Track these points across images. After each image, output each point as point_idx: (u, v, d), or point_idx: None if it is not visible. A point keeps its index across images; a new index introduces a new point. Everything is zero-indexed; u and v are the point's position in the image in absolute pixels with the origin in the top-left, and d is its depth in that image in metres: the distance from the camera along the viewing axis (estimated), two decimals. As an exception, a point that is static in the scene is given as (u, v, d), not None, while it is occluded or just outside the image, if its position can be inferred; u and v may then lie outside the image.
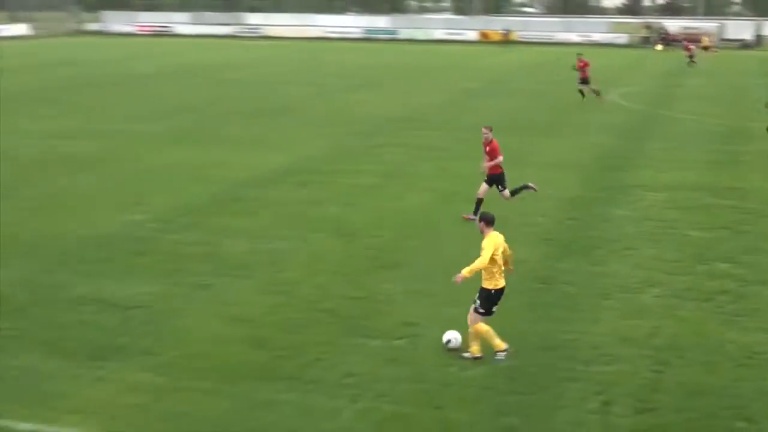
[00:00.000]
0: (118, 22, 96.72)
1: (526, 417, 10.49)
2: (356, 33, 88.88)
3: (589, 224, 18.94)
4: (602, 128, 31.74)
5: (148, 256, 16.23)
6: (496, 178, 18.78)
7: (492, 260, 11.64)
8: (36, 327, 12.89)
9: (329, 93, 42.25)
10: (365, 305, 13.95)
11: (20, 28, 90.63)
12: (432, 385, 11.22)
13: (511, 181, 19.16)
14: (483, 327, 11.79)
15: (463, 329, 12.10)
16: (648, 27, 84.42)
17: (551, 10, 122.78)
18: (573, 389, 11.16)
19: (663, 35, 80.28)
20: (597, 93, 37.86)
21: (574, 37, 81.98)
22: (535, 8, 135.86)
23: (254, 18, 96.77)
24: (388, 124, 32.48)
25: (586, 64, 37.27)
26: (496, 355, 11.80)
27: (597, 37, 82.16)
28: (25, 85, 43.47)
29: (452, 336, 12.12)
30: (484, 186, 18.77)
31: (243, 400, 10.78)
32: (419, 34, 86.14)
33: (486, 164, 18.63)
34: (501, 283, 11.84)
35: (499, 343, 11.81)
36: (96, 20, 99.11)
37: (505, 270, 12.00)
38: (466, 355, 11.87)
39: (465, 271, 11.62)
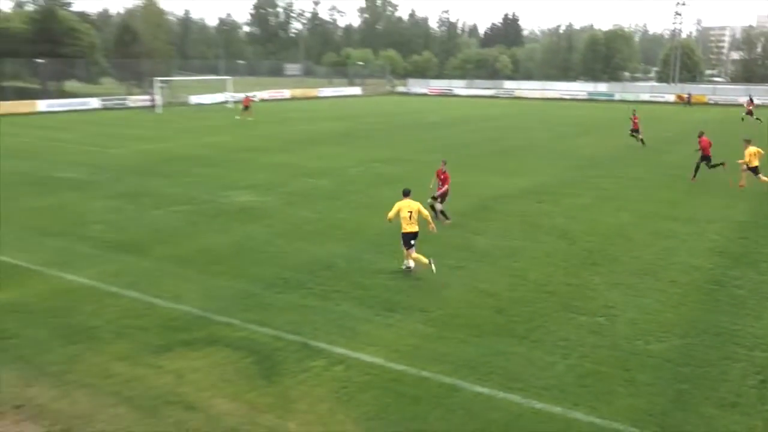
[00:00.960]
0: (418, 86, 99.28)
1: (695, 385, 9.67)
2: (582, 95, 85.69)
3: (758, 243, 17.11)
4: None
5: (427, 244, 16.54)
6: None
7: (397, 216, 14.12)
8: (350, 286, 13.56)
9: (560, 137, 41.05)
10: (578, 290, 13.46)
11: (355, 90, 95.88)
12: (623, 353, 10.63)
13: (688, 207, 17.66)
14: (411, 253, 14.18)
15: (650, 314, 11.37)
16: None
17: (735, 80, 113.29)
18: (736, 368, 10.14)
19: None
20: (641, 141, 35.60)
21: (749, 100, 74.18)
22: (722, 78, 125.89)
23: (509, 84, 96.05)
24: (602, 160, 31.05)
25: (636, 118, 36.72)
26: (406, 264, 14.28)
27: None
28: (354, 128, 45.77)
29: (410, 264, 14.26)
30: None
31: (485, 348, 10.75)
32: (630, 96, 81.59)
33: None
34: (407, 229, 14.17)
35: (418, 259, 14.15)
36: (403, 85, 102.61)
37: (417, 221, 14.16)
38: (405, 267, 14.29)
39: (388, 216, 14.36)
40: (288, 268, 14.59)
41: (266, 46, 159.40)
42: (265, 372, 9.89)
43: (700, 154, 26.02)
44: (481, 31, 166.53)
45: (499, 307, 12.51)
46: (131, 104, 67.08)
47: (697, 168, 25.84)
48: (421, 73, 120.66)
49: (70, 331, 11.26)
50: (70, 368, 9.97)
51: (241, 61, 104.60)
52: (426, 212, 14.44)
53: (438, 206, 18.65)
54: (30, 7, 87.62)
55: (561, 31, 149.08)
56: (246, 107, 52.80)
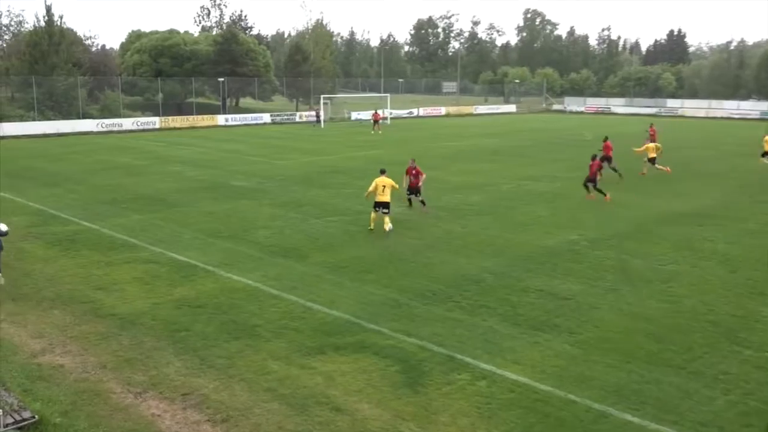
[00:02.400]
0: (574, 104, 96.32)
1: None
2: (754, 114, 79.03)
3: None
4: None
5: (578, 264, 15.95)
6: None
7: (374, 189, 18.41)
8: (498, 302, 13.28)
9: (725, 156, 38.07)
10: (743, 322, 12.30)
11: (510, 107, 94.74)
12: (794, 393, 9.56)
13: None
14: (380, 218, 18.41)
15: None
16: None
17: None
18: None
19: None
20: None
21: None
22: None
23: (673, 102, 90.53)
24: (775, 184, 28.42)
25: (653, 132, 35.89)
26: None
27: None
28: (507, 144, 45.08)
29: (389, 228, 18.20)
30: None
31: (637, 376, 10.08)
32: (808, 115, 74.34)
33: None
34: (378, 199, 18.41)
35: (376, 220, 18.48)
36: (560, 103, 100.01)
37: (385, 192, 18.34)
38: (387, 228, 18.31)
39: (366, 194, 18.79)
40: (436, 280, 14.58)
41: (425, 65, 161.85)
42: (410, 381, 9.89)
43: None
44: (644, 47, 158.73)
45: (653, 333, 11.71)
46: (298, 119, 70.63)
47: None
48: (579, 91, 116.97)
49: (234, 328, 11.91)
50: (233, 363, 10.52)
51: (400, 79, 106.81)
52: (397, 185, 18.84)
53: (416, 198, 21.49)
54: (215, 31, 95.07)
55: (732, 47, 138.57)
56: (376, 122, 56.16)
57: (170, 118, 61.74)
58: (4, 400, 8.74)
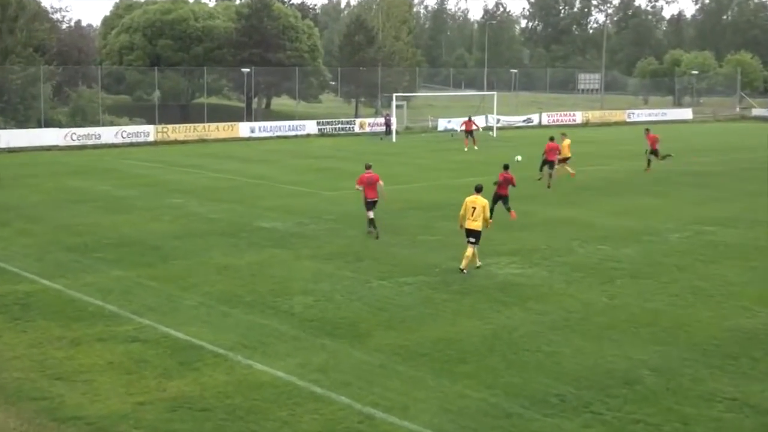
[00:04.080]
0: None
1: None
2: None
3: None
4: None
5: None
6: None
7: (464, 211, 21.53)
8: (663, 415, 12.86)
9: None
10: None
11: (683, 112, 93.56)
12: None
13: None
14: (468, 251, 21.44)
15: None
16: None
17: None
18: None
19: None
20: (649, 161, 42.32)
21: None
22: None
23: None
24: None
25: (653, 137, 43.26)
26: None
27: None
28: (678, 169, 44.31)
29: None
30: None
31: None
32: None
33: None
34: (468, 225, 21.41)
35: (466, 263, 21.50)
36: (764, 105, 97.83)
37: (476, 216, 21.28)
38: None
39: (459, 221, 22.18)
40: (564, 378, 14.36)
41: (551, 49, 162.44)
42: None
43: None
44: None
45: None
46: (359, 129, 71.61)
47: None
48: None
49: (254, 444, 11.94)
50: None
51: (513, 70, 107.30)
52: (488, 213, 21.77)
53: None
54: (238, 0, 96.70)
55: None
56: (468, 133, 57.04)
57: (171, 126, 63.67)
58: None
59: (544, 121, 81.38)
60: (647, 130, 46.14)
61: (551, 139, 37.99)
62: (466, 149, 55.27)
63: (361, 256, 23.60)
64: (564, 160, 39.03)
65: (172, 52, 78.27)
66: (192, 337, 16.47)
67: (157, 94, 72.26)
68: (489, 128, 69.14)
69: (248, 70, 72.75)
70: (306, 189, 37.26)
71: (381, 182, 26.43)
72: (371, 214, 26.42)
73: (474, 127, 58.20)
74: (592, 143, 61.05)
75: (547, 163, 37.60)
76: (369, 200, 26.31)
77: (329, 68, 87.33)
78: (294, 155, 53.10)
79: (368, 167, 26.54)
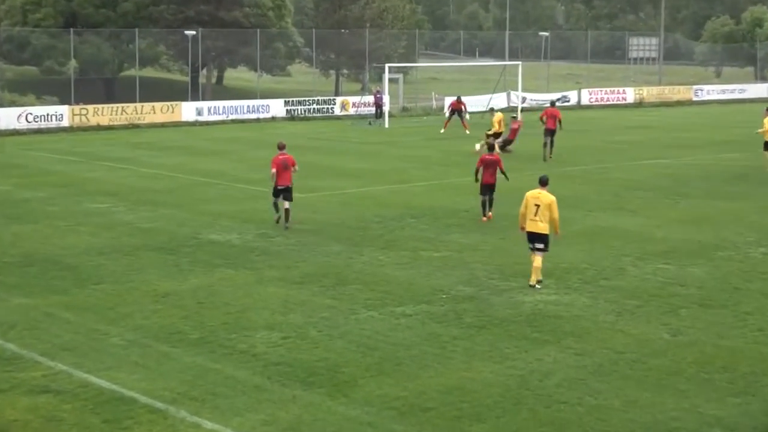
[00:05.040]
0: None
1: None
2: None
3: None
4: None
5: None
6: None
7: (524, 209, 22.54)
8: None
9: None
10: None
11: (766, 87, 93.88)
12: None
13: None
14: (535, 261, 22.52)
15: None
16: None
17: None
18: None
19: None
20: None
21: None
22: None
23: None
24: None
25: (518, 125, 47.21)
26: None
27: None
28: (758, 163, 44.46)
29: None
30: None
31: None
32: None
33: None
34: (530, 227, 22.28)
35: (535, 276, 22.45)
36: None
37: (540, 215, 22.15)
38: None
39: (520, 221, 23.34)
40: (615, 442, 14.34)
41: (593, 5, 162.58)
42: None
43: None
44: None
45: None
46: (339, 111, 71.78)
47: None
48: None
49: None
50: None
51: (543, 33, 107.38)
52: (556, 214, 22.41)
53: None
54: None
55: None
56: (457, 112, 59.94)
57: (91, 107, 63.95)
58: None
59: (584, 100, 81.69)
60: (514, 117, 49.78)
61: (552, 104, 41.99)
62: (442, 132, 57.20)
63: (345, 279, 23.57)
64: (495, 136, 43.97)
65: (92, 9, 78.19)
66: (120, 386, 16.39)
67: (72, 64, 72.21)
68: (512, 109, 69.15)
69: (194, 32, 72.87)
70: (270, 190, 37.14)
71: (296, 166, 29.35)
72: (287, 204, 29.16)
73: (460, 107, 58.94)
74: (649, 129, 61.29)
75: (550, 132, 43.08)
76: (279, 187, 29.11)
77: (301, 31, 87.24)
78: (254, 145, 52.98)
79: (282, 147, 29.57)
